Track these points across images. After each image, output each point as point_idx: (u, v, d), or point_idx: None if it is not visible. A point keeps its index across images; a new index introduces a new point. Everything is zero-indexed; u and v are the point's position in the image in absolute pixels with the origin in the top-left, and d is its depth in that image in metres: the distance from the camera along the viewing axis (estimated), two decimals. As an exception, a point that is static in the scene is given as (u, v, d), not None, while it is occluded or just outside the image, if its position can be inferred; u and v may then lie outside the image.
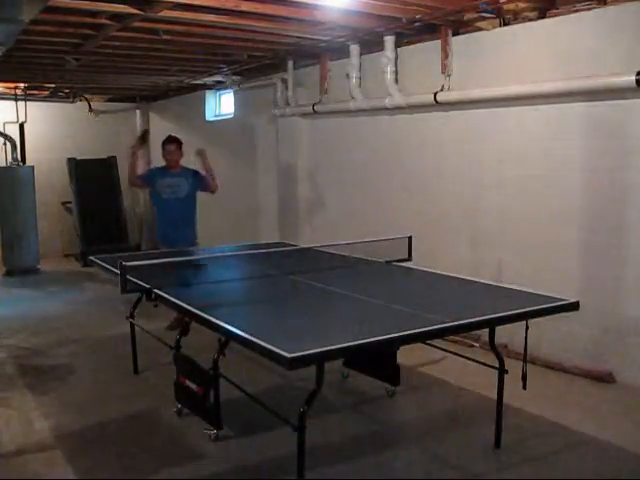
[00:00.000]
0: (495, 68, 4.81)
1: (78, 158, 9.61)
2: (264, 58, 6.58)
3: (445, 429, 3.61)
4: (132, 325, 4.54)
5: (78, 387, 4.36)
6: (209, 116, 9.12)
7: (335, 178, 6.61)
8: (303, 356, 2.31)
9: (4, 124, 9.17)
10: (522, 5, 4.48)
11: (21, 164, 8.87)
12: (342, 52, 5.96)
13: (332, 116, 6.48)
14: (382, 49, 5.51)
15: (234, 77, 7.75)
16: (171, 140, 5.61)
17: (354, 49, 5.83)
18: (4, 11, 3.63)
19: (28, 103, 9.31)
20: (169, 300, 3.33)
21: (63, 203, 9.90)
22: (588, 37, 4.21)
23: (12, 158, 8.74)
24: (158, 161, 8.18)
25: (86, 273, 8.34)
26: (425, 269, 4.08)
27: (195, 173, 5.64)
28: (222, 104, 9.10)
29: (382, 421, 3.82)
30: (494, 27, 4.84)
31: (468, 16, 4.81)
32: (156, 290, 3.46)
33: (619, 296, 4.22)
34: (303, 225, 7.04)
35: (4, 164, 8.77)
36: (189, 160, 5.73)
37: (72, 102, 9.85)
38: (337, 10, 4.54)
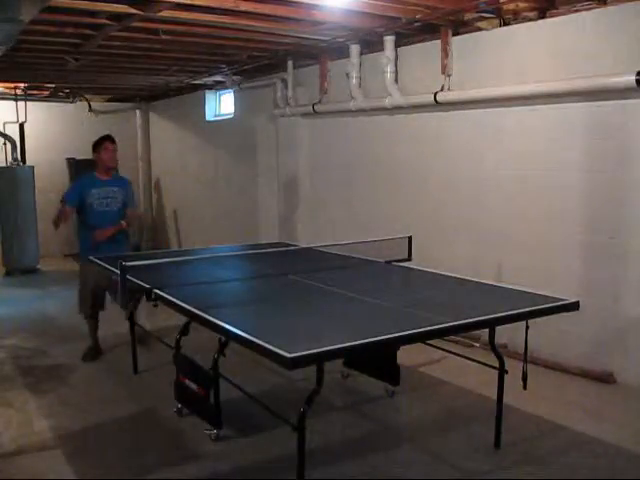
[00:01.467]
0: (495, 68, 4.81)
1: (78, 158, 9.60)
2: (264, 58, 6.57)
3: (445, 429, 3.62)
4: (132, 325, 4.55)
5: (78, 387, 4.36)
6: (209, 116, 9.12)
7: (335, 178, 6.61)
8: (303, 356, 2.31)
9: (4, 124, 9.17)
10: (522, 5, 4.48)
11: (21, 164, 8.87)
12: (342, 52, 5.96)
13: (332, 116, 6.48)
14: (382, 49, 5.51)
15: (234, 77, 7.75)
16: (109, 138, 5.04)
17: (354, 49, 5.83)
18: (4, 11, 3.63)
19: (28, 103, 9.31)
20: (169, 300, 3.34)
21: (63, 203, 9.90)
22: (588, 37, 4.21)
23: (12, 158, 8.74)
24: (159, 164, 8.20)
25: (86, 273, 8.33)
26: (425, 269, 4.08)
27: (127, 185, 5.16)
28: (222, 104, 9.10)
29: (382, 421, 3.82)
30: (494, 27, 4.84)
31: (468, 16, 4.81)
32: (156, 290, 3.46)
33: (619, 296, 4.22)
34: (303, 225, 7.04)
35: (4, 164, 8.76)
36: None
37: (72, 102, 9.85)
38: (337, 10, 4.54)
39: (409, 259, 4.39)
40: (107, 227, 4.90)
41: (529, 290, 3.35)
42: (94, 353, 4.99)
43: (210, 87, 8.80)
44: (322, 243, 5.17)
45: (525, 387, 3.25)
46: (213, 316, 2.89)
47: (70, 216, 5.13)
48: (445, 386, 4.29)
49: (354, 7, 4.50)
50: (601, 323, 4.32)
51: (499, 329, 3.24)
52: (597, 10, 4.17)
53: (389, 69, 5.52)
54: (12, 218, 8.48)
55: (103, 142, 5.04)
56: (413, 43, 5.52)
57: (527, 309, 3.01)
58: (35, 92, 9.22)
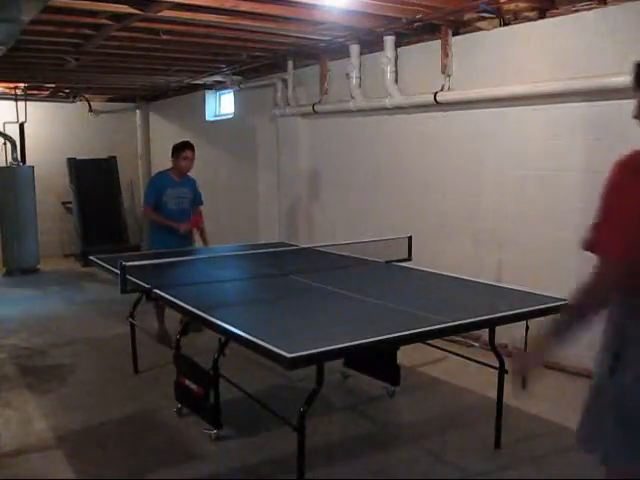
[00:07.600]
0: (495, 68, 4.81)
1: (78, 158, 9.61)
2: (264, 58, 6.58)
3: (445, 429, 3.61)
4: (132, 325, 4.55)
5: (78, 387, 4.36)
6: (209, 116, 9.12)
7: (335, 178, 6.61)
8: (303, 356, 2.31)
9: (4, 124, 9.17)
10: (522, 5, 4.48)
11: (21, 164, 8.87)
12: (342, 52, 5.96)
13: (332, 116, 6.48)
14: (382, 49, 5.51)
15: (234, 77, 7.75)
16: (190, 146, 5.26)
17: (354, 49, 5.83)
18: (4, 11, 3.64)
19: (28, 103, 9.30)
20: (169, 300, 3.34)
21: (63, 203, 9.91)
22: (588, 37, 4.20)
23: (12, 158, 8.73)
24: (159, 165, 8.15)
25: (86, 273, 8.34)
26: (425, 269, 4.08)
27: (195, 185, 5.48)
28: (222, 104, 9.10)
29: (382, 421, 3.82)
30: (494, 27, 4.84)
31: (468, 16, 4.81)
32: (156, 290, 3.46)
33: (619, 296, 4.21)
34: (303, 225, 7.05)
35: (4, 164, 8.76)
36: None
37: (72, 102, 9.86)
38: (337, 10, 4.54)
39: (409, 259, 4.39)
40: (183, 222, 5.25)
41: (529, 290, 3.36)
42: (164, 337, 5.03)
43: (210, 87, 8.81)
44: (322, 243, 5.17)
45: (525, 387, 3.24)
46: (213, 316, 2.89)
47: (152, 214, 5.34)
48: (445, 386, 4.29)
49: (354, 7, 4.50)
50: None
51: (499, 329, 3.24)
52: (597, 10, 4.17)
53: (389, 69, 5.52)
54: (12, 218, 8.47)
55: (184, 149, 5.25)
56: (413, 43, 5.52)
57: (527, 309, 3.01)
58: (35, 92, 9.22)
